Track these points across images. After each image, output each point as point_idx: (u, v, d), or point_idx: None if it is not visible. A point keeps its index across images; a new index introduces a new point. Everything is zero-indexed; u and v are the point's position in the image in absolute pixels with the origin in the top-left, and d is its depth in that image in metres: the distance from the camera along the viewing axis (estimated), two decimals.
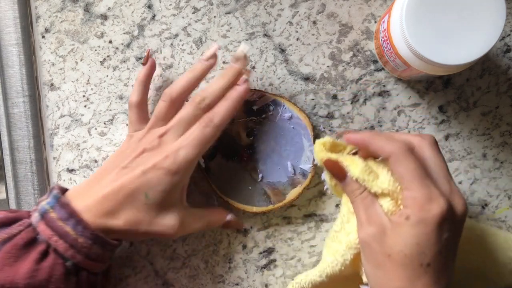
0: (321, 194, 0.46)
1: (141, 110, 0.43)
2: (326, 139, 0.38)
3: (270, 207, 0.44)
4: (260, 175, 0.45)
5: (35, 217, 0.38)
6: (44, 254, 0.37)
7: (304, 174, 0.44)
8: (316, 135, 0.45)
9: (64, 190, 0.40)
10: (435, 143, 0.35)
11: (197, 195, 0.46)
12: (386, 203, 0.34)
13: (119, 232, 0.38)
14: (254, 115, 0.44)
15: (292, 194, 0.44)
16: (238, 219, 0.44)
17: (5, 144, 0.48)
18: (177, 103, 0.41)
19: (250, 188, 0.45)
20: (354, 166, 0.35)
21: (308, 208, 0.46)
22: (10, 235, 0.37)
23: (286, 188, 0.44)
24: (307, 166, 0.44)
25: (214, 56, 0.42)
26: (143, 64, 0.44)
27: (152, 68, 0.44)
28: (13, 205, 0.48)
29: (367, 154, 0.36)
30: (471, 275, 0.41)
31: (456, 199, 0.33)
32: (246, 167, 0.45)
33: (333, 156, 0.37)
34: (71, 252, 0.37)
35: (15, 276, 0.35)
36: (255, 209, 0.44)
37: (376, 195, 0.34)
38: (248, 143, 0.44)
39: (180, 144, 0.39)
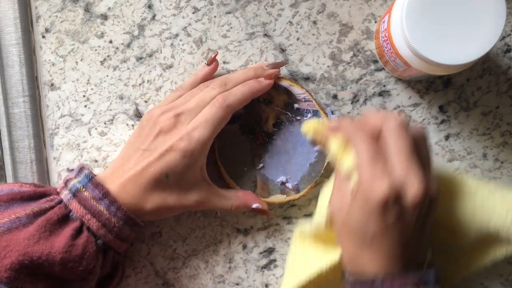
0: None
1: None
2: (316, 121, 0.43)
3: None
4: (261, 165, 0.44)
5: (66, 195, 0.39)
6: (78, 231, 0.38)
7: (297, 189, 0.44)
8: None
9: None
10: (401, 124, 0.35)
11: None
12: (353, 180, 0.36)
13: (149, 214, 0.40)
14: (291, 111, 0.44)
15: (275, 198, 0.44)
16: (266, 206, 0.44)
17: (5, 144, 0.48)
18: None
19: (245, 169, 0.44)
20: (333, 145, 0.38)
21: (308, 208, 0.46)
22: (41, 209, 0.38)
23: (274, 190, 0.44)
24: (302, 184, 0.44)
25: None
26: (208, 64, 0.44)
27: (214, 70, 0.44)
28: None
29: None
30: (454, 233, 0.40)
31: (410, 182, 0.33)
32: (254, 150, 0.44)
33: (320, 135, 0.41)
34: (103, 231, 0.38)
35: (51, 249, 0.36)
36: (236, 188, 0.44)
37: (350, 172, 0.36)
38: (269, 132, 0.44)
39: (194, 125, 0.40)
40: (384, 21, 0.41)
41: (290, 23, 0.46)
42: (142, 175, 0.39)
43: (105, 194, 0.38)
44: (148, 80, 0.47)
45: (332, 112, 0.46)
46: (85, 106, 0.47)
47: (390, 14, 0.39)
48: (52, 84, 0.47)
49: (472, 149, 0.46)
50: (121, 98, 0.47)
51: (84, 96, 0.47)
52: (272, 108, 0.44)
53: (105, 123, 0.47)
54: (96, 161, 0.47)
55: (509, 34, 0.45)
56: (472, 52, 0.36)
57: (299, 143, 0.44)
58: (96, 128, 0.47)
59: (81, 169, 0.41)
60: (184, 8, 0.46)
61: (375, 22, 0.45)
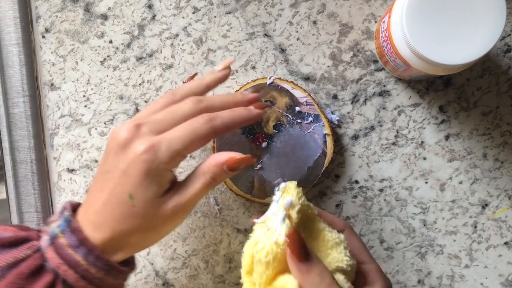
0: (321, 194, 0.46)
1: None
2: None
3: (248, 196, 0.45)
4: (259, 166, 0.45)
5: (44, 241, 0.34)
6: (51, 286, 0.33)
7: None
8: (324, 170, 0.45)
9: (76, 207, 0.36)
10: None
11: None
12: (341, 278, 0.31)
13: (131, 248, 0.35)
14: (293, 114, 0.44)
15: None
16: (239, 157, 0.35)
17: (6, 144, 0.48)
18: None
19: (243, 169, 0.44)
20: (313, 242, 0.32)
21: None
22: (16, 259, 0.33)
23: (271, 191, 0.44)
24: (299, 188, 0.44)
25: (227, 68, 0.38)
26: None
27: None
28: (13, 205, 0.48)
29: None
30: None
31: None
32: (254, 150, 0.45)
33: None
34: (83, 283, 0.33)
35: None
36: (234, 188, 0.45)
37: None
38: (269, 133, 0.45)
39: (165, 136, 0.33)
40: (384, 21, 0.41)
41: (290, 23, 0.46)
42: (109, 201, 0.33)
43: (82, 241, 0.33)
44: (148, 80, 0.47)
45: (332, 113, 0.46)
46: (85, 106, 0.47)
47: (390, 14, 0.39)
48: (52, 84, 0.47)
49: (472, 149, 0.46)
50: (121, 98, 0.47)
51: (84, 96, 0.47)
52: (273, 110, 0.44)
53: (105, 123, 0.47)
54: (96, 161, 0.47)
55: (509, 34, 0.45)
56: (472, 52, 0.36)
57: (298, 146, 0.44)
58: (96, 128, 0.47)
59: (63, 208, 0.35)
60: (184, 8, 0.46)
61: (375, 22, 0.45)
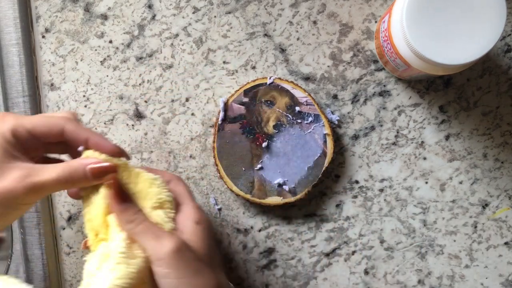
0: (321, 194, 0.46)
1: None
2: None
3: (248, 196, 0.45)
4: (260, 166, 0.45)
5: None
6: None
7: (294, 192, 0.44)
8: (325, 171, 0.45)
9: None
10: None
11: (196, 194, 0.47)
12: (159, 217, 0.35)
13: None
14: (293, 114, 0.44)
15: (272, 199, 0.45)
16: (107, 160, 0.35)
17: None
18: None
19: (244, 169, 0.45)
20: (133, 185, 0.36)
21: (309, 208, 0.46)
22: None
23: (271, 191, 0.45)
24: (299, 188, 0.44)
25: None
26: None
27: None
28: None
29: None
30: None
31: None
32: (254, 150, 0.45)
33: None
34: None
35: None
36: (234, 188, 0.45)
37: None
38: (269, 133, 0.45)
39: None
40: (384, 21, 0.41)
41: (290, 23, 0.46)
42: None
43: None
44: (148, 80, 0.47)
45: (333, 113, 0.46)
46: (85, 106, 0.47)
47: (390, 14, 0.39)
48: (52, 84, 0.47)
49: (473, 149, 0.46)
50: (121, 98, 0.47)
51: (84, 96, 0.47)
52: (273, 110, 0.44)
53: (105, 123, 0.47)
54: None
55: (509, 34, 0.45)
56: (472, 52, 0.36)
57: (298, 146, 0.44)
58: (96, 128, 0.47)
59: None
60: (184, 8, 0.46)
61: (375, 22, 0.45)
